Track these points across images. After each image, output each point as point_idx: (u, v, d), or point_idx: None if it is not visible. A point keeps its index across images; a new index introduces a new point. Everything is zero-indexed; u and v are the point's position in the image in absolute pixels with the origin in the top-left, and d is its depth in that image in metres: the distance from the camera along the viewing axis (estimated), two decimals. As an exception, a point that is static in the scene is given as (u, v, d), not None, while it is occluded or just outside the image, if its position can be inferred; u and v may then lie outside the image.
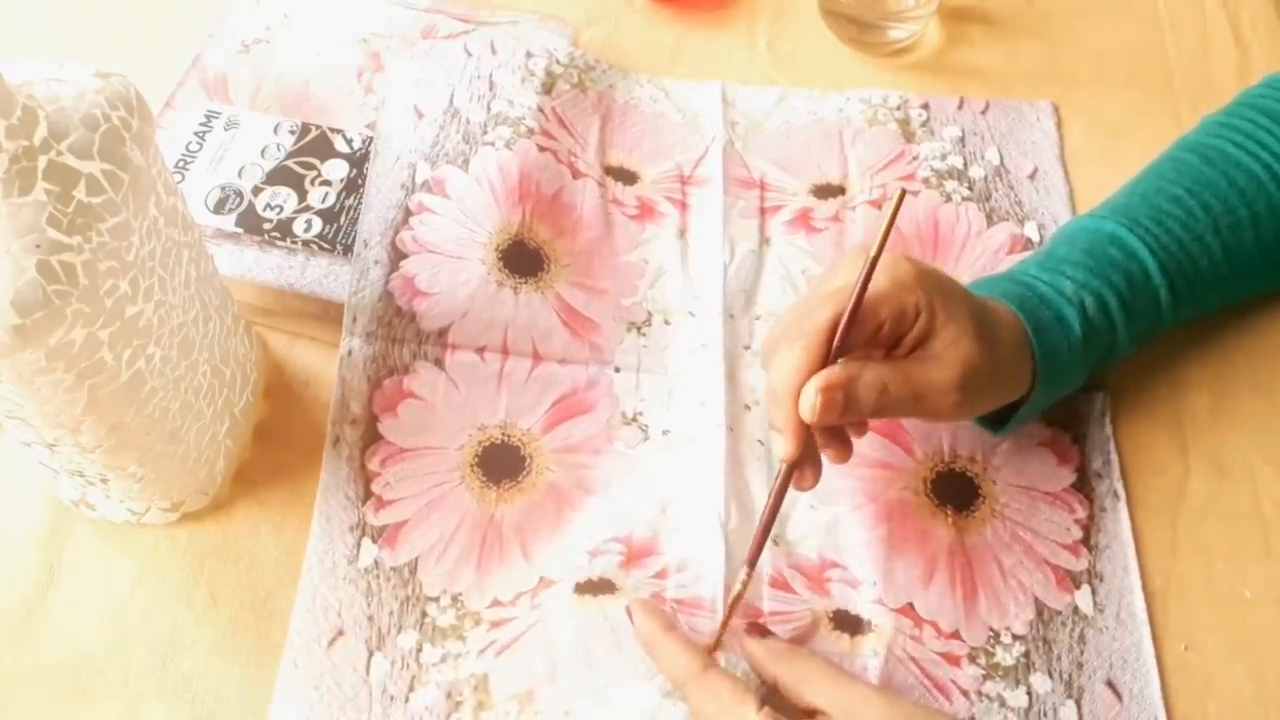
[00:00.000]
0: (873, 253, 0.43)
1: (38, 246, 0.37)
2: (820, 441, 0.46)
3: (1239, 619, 0.51)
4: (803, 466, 0.46)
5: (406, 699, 0.46)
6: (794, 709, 0.44)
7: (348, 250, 0.57)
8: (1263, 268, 0.55)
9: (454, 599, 0.49)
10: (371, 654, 0.48)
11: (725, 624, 0.47)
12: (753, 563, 0.46)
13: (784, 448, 0.45)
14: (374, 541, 0.50)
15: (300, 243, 0.57)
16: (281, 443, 0.54)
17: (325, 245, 0.57)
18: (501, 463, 0.53)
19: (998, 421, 0.53)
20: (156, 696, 0.47)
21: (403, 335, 0.55)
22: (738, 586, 0.46)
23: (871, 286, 0.44)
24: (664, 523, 0.51)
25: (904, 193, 0.43)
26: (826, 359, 0.44)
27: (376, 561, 0.50)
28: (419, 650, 0.48)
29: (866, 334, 0.45)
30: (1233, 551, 0.52)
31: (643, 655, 0.46)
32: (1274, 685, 0.49)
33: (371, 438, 0.53)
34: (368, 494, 0.52)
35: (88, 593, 0.49)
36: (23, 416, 0.43)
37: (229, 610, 0.49)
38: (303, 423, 0.54)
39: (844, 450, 0.47)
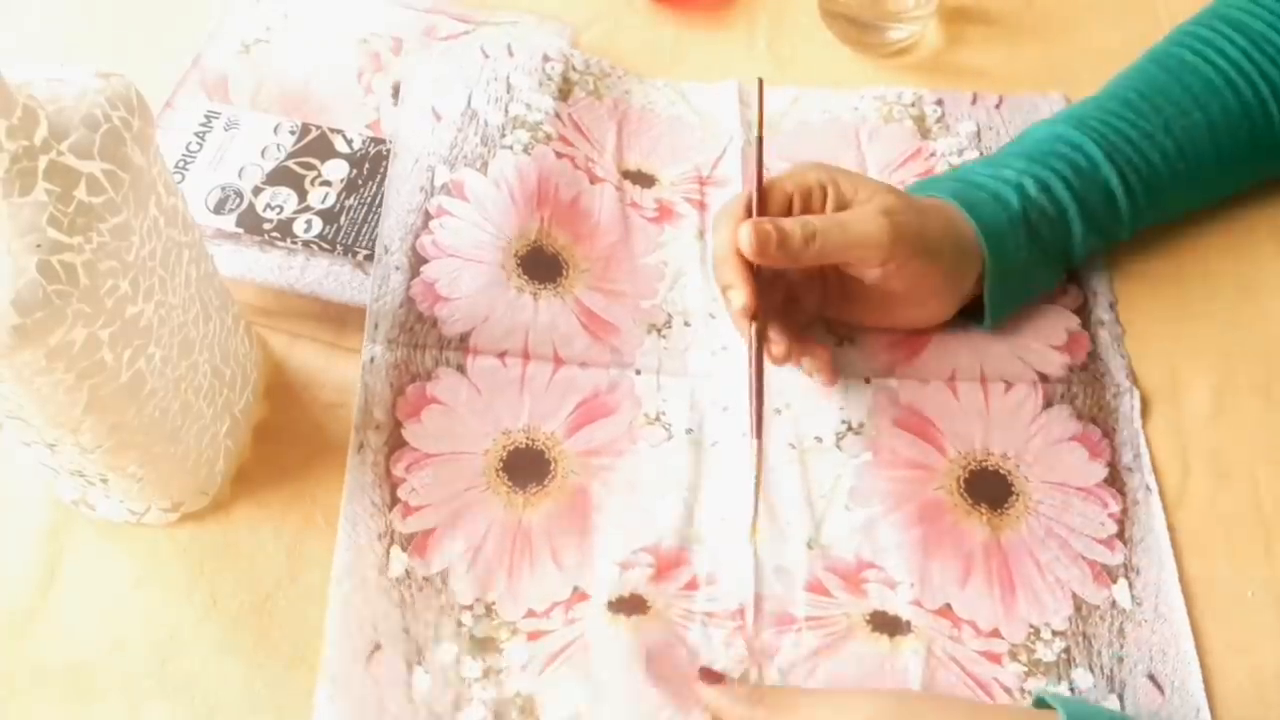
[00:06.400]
0: (756, 132, 0.54)
1: (38, 246, 0.37)
2: (800, 351, 0.53)
3: (1239, 619, 0.51)
4: (767, 335, 0.51)
5: (453, 718, 0.46)
6: None
7: (348, 250, 0.57)
8: (1222, 172, 0.58)
9: (488, 608, 0.49)
10: (411, 668, 0.47)
11: (756, 516, 0.50)
12: (758, 433, 0.49)
13: (739, 298, 0.50)
14: (403, 550, 0.50)
15: (300, 243, 0.57)
16: (281, 443, 0.54)
17: (325, 245, 0.57)
18: (527, 467, 0.53)
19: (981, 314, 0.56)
20: (156, 696, 0.47)
21: (424, 341, 0.55)
22: (753, 457, 0.49)
23: (772, 174, 0.52)
24: (691, 531, 0.51)
25: (760, 80, 0.54)
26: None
27: (408, 571, 0.49)
28: (458, 664, 0.47)
29: (779, 208, 0.52)
30: (1233, 551, 0.52)
31: (682, 683, 0.46)
32: (1274, 685, 0.49)
33: (396, 443, 0.53)
34: (394, 500, 0.51)
35: (88, 593, 0.49)
36: (23, 416, 0.43)
37: (229, 610, 0.49)
38: (303, 423, 0.54)
39: (825, 363, 0.54)
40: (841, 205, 0.52)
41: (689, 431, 0.54)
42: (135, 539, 0.51)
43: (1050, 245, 0.55)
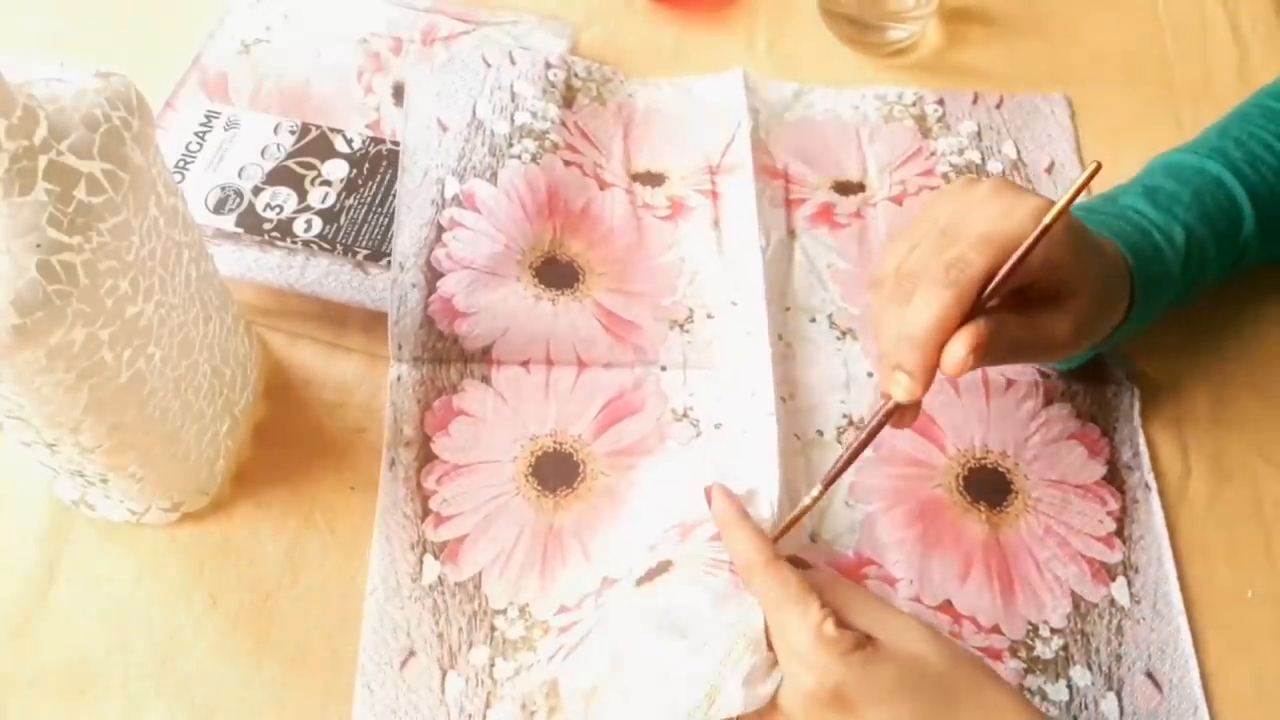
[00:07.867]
0: (1048, 219, 0.43)
1: (38, 246, 0.37)
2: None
3: (1239, 619, 0.51)
4: (907, 407, 0.45)
5: (484, 716, 0.46)
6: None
7: (348, 250, 0.57)
8: None
9: (521, 610, 0.49)
10: (445, 672, 0.48)
11: (785, 530, 0.46)
12: (828, 484, 0.46)
13: (908, 389, 0.44)
14: (436, 558, 0.50)
15: (300, 243, 0.57)
16: (281, 443, 0.54)
17: (325, 245, 0.57)
18: (556, 471, 0.53)
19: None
20: (156, 696, 0.47)
21: (448, 356, 0.55)
22: (806, 500, 0.46)
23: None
24: None
25: (1098, 165, 0.42)
26: (975, 309, 0.43)
27: (440, 578, 0.50)
28: (491, 666, 0.48)
29: (1014, 284, 0.45)
30: (1233, 552, 0.52)
31: (699, 629, 0.44)
32: (1274, 685, 0.49)
33: (426, 457, 0.53)
34: (426, 511, 0.52)
35: (88, 593, 0.49)
36: (23, 416, 0.43)
37: (229, 610, 0.49)
38: (303, 423, 0.54)
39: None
40: (1061, 285, 0.46)
41: (718, 426, 0.54)
42: (135, 539, 0.51)
43: (1198, 284, 0.54)
